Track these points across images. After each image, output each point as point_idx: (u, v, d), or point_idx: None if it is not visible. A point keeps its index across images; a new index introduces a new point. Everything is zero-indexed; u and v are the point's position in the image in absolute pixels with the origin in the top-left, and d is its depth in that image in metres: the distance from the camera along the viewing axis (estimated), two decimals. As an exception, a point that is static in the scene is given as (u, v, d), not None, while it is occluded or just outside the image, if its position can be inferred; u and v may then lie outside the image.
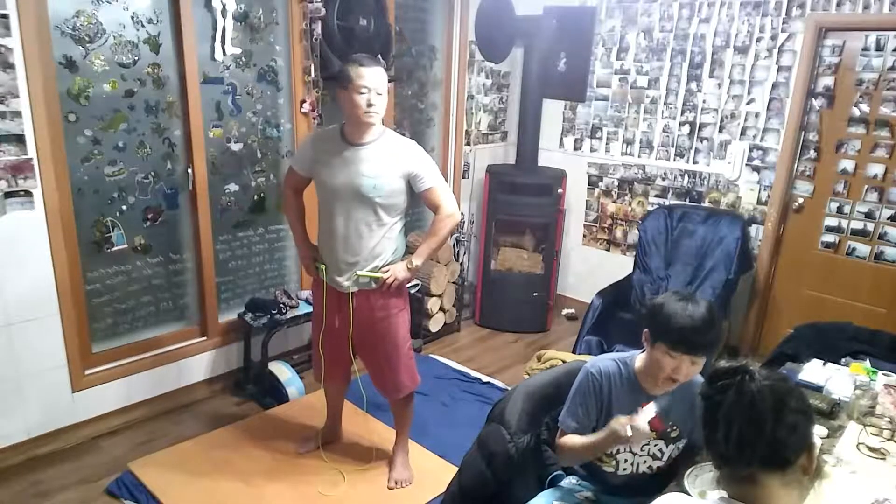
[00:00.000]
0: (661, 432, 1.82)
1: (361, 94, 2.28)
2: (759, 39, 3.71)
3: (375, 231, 2.41)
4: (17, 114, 2.47)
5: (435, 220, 2.48)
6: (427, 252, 2.48)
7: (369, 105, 2.28)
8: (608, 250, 4.58)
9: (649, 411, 1.68)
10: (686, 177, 4.13)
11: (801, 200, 3.77)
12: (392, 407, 2.78)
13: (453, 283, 4.24)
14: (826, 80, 3.58)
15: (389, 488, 2.73)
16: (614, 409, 1.84)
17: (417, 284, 3.93)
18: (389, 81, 3.63)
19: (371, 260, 2.44)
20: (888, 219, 3.51)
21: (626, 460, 1.87)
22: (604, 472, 1.91)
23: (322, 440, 2.94)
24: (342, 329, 2.55)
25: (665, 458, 1.86)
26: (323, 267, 2.52)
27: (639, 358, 1.84)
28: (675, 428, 1.83)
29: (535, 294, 4.39)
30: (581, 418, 1.85)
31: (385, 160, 2.36)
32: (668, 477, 1.78)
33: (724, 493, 1.16)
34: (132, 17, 2.79)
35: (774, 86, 3.71)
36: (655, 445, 1.85)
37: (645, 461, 1.86)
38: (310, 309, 3.43)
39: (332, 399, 2.90)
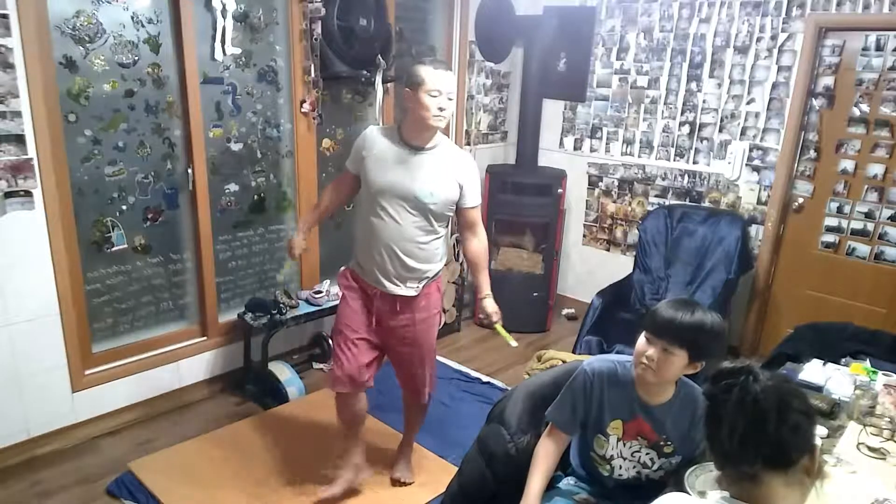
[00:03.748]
0: (653, 443, 1.82)
1: (433, 97, 2.20)
2: (759, 39, 3.71)
3: (427, 237, 2.37)
4: (17, 114, 2.47)
5: (477, 247, 2.50)
6: (489, 283, 2.53)
7: (440, 109, 2.22)
8: (608, 250, 4.58)
9: None
10: (686, 177, 4.13)
11: (801, 200, 3.77)
12: (410, 408, 2.75)
13: (453, 283, 4.23)
14: (826, 80, 3.58)
15: (392, 484, 2.73)
16: (607, 411, 1.84)
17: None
18: (389, 81, 3.70)
19: (423, 264, 2.39)
20: (888, 219, 3.51)
21: (620, 466, 1.87)
22: (601, 473, 1.91)
23: (349, 481, 2.65)
24: (379, 330, 2.48)
25: (654, 468, 1.85)
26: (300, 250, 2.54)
27: None
28: (669, 443, 1.81)
29: (535, 294, 4.39)
30: (567, 414, 1.86)
31: (444, 168, 2.33)
32: (665, 484, 1.78)
33: (726, 493, 1.16)
34: (132, 17, 2.79)
35: (774, 86, 3.71)
36: (647, 454, 1.84)
37: (634, 466, 1.86)
38: (310, 309, 3.45)
39: (349, 419, 2.57)
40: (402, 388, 2.70)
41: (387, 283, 2.39)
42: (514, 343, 2.50)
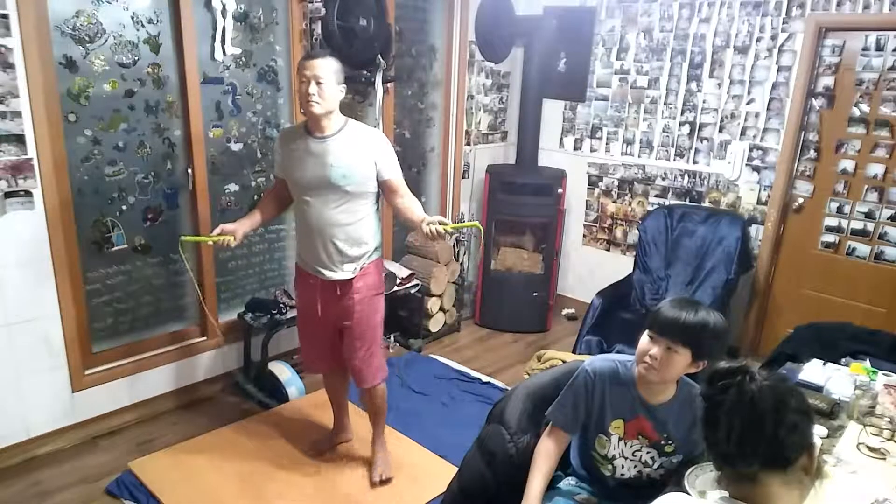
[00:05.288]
0: (654, 442, 1.82)
1: (302, 83, 2.32)
2: (759, 39, 3.71)
3: (353, 217, 2.44)
4: (17, 114, 2.47)
5: (406, 201, 2.46)
6: (421, 209, 2.47)
7: (310, 94, 2.30)
8: (608, 250, 4.58)
9: None
10: (686, 177, 4.13)
11: (801, 200, 3.77)
12: (365, 400, 2.78)
13: (453, 283, 4.24)
14: (826, 80, 3.58)
15: (373, 483, 2.73)
16: (608, 411, 1.84)
17: (418, 284, 3.93)
18: (389, 81, 3.69)
19: (355, 246, 2.47)
20: (888, 219, 3.51)
21: (621, 465, 1.87)
22: (602, 473, 1.91)
23: (333, 441, 2.95)
24: (327, 317, 2.58)
25: (655, 467, 1.85)
26: (220, 240, 2.47)
27: None
28: (670, 442, 1.82)
29: (535, 294, 4.39)
30: (568, 413, 1.87)
31: (354, 149, 2.40)
32: (666, 484, 1.78)
33: (725, 493, 1.16)
34: (132, 17, 2.79)
35: (774, 86, 3.71)
36: (648, 453, 1.84)
37: (635, 465, 1.86)
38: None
39: (332, 395, 2.91)
40: (351, 375, 2.71)
41: (324, 271, 2.50)
42: (476, 223, 2.38)
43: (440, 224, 2.28)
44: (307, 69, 2.31)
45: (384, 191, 2.50)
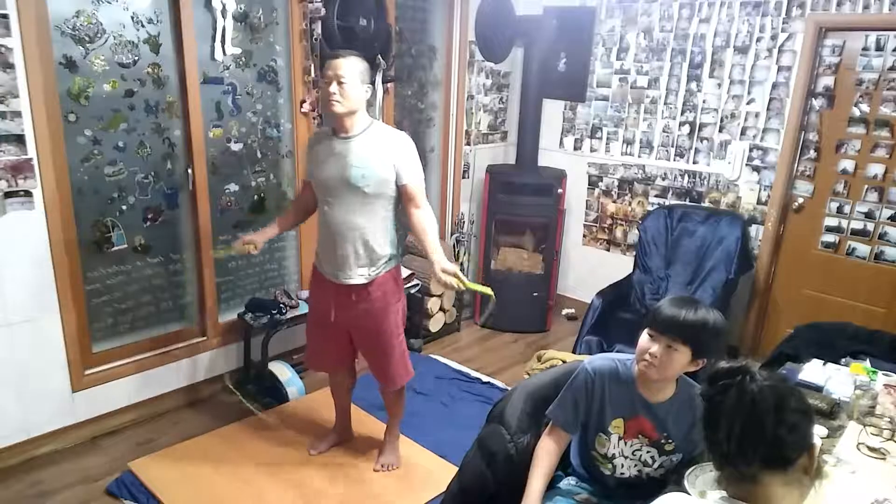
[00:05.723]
0: (654, 441, 1.82)
1: (326, 83, 2.33)
2: (759, 39, 3.71)
3: (369, 220, 2.43)
4: (17, 114, 2.47)
5: (421, 215, 2.44)
6: (438, 246, 2.43)
7: (331, 93, 2.31)
8: (608, 250, 4.58)
9: None
10: (686, 177, 4.13)
11: (801, 200, 3.77)
12: (384, 395, 2.82)
13: (453, 283, 4.23)
14: (826, 80, 3.58)
15: (375, 470, 2.80)
16: (608, 409, 1.85)
17: (417, 284, 3.93)
18: (389, 81, 3.69)
19: (371, 249, 2.46)
20: (888, 219, 3.51)
21: (621, 465, 1.87)
22: (602, 472, 1.91)
23: (334, 440, 2.96)
24: (340, 321, 2.58)
25: (655, 466, 1.85)
26: (243, 250, 2.59)
27: None
28: (670, 441, 1.82)
29: (535, 294, 4.39)
30: (569, 412, 1.87)
31: (373, 150, 2.39)
32: (666, 483, 1.78)
33: (725, 493, 1.16)
34: (132, 17, 2.79)
35: (774, 86, 3.71)
36: (648, 452, 1.85)
37: (635, 465, 1.86)
38: (310, 309, 3.45)
39: (336, 394, 2.91)
40: (373, 375, 2.74)
41: (339, 274, 2.50)
42: (489, 292, 2.34)
43: (456, 277, 2.29)
44: (329, 69, 2.32)
45: (401, 196, 2.47)
